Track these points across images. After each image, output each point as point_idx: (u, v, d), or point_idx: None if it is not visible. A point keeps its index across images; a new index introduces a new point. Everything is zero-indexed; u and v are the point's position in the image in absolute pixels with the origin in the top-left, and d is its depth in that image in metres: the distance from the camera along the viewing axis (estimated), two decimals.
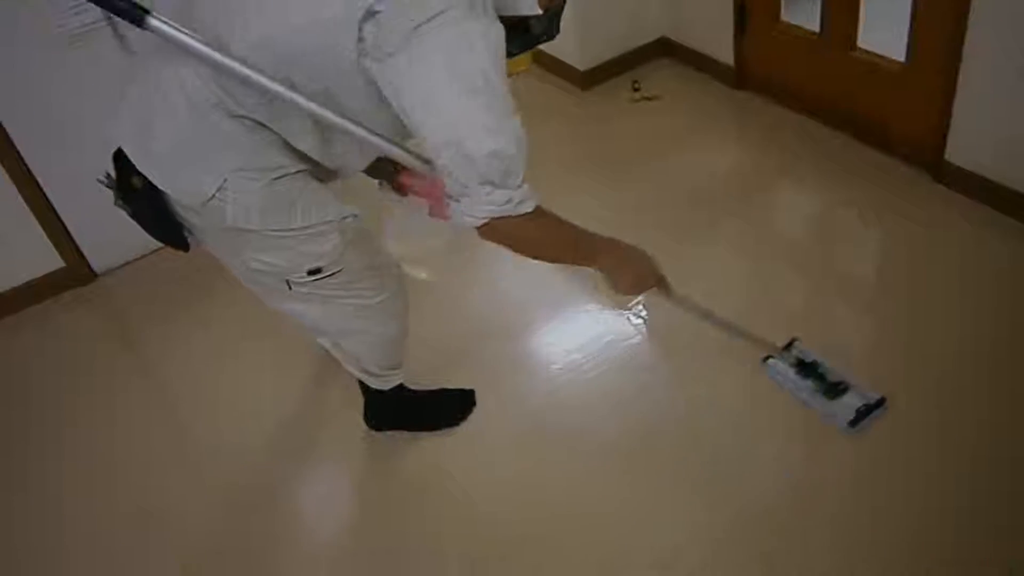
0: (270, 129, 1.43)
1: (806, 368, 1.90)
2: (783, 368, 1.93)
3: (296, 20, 1.30)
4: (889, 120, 2.81)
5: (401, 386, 2.08)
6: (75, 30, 2.57)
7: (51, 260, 2.89)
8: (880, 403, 1.87)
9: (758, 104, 3.29)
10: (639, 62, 3.67)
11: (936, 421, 1.98)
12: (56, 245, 2.86)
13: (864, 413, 1.84)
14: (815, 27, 2.96)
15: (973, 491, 1.82)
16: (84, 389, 2.55)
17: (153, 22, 1.27)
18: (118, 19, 1.31)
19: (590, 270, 1.61)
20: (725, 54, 3.37)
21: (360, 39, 1.25)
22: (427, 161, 1.48)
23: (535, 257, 1.52)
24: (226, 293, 2.67)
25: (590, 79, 3.61)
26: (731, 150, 3.15)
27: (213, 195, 1.42)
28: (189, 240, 1.58)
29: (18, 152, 2.66)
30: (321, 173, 1.57)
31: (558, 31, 1.47)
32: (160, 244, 1.59)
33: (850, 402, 1.85)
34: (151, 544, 2.06)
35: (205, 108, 1.38)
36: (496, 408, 2.22)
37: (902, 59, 2.67)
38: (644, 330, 2.38)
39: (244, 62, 1.29)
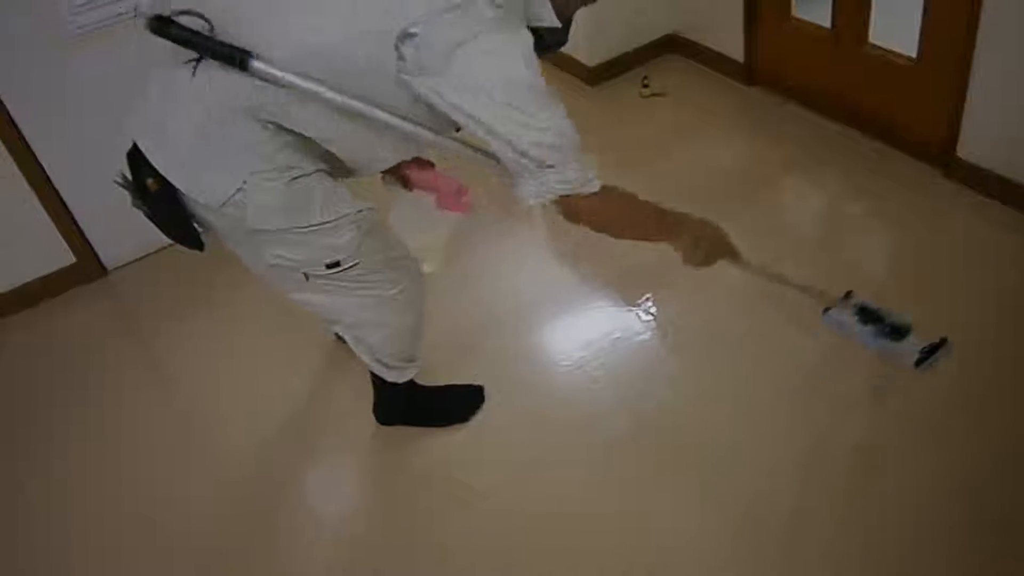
0: (291, 131, 1.46)
1: (866, 314, 1.90)
2: (844, 317, 1.93)
3: (343, 32, 1.35)
4: (900, 116, 2.79)
5: (412, 382, 2.08)
6: (87, 28, 2.58)
7: (62, 256, 2.90)
8: (943, 343, 1.83)
9: (768, 100, 3.28)
10: (648, 58, 3.66)
11: (938, 421, 1.98)
12: (67, 241, 2.88)
13: (929, 352, 1.82)
14: (826, 22, 2.95)
15: (972, 499, 1.81)
16: (94, 385, 2.57)
17: (256, 65, 1.32)
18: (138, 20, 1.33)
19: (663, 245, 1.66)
20: (735, 50, 3.35)
21: (400, 57, 1.32)
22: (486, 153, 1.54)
23: (613, 234, 1.58)
24: (236, 289, 2.69)
25: (599, 75, 3.60)
26: (741, 146, 3.14)
27: (232, 196, 1.44)
28: (204, 240, 1.60)
29: (31, 149, 2.67)
30: (337, 171, 1.59)
31: (567, 40, 1.52)
32: (172, 242, 1.61)
33: (915, 342, 1.84)
34: (160, 539, 2.07)
35: (224, 112, 1.40)
36: (503, 404, 2.23)
37: (913, 55, 2.65)
38: (652, 327, 2.38)
39: (286, 69, 1.34)
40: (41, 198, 2.75)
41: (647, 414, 2.13)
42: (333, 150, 1.54)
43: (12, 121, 2.60)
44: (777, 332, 2.28)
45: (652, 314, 2.41)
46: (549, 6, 1.42)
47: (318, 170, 1.52)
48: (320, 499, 2.15)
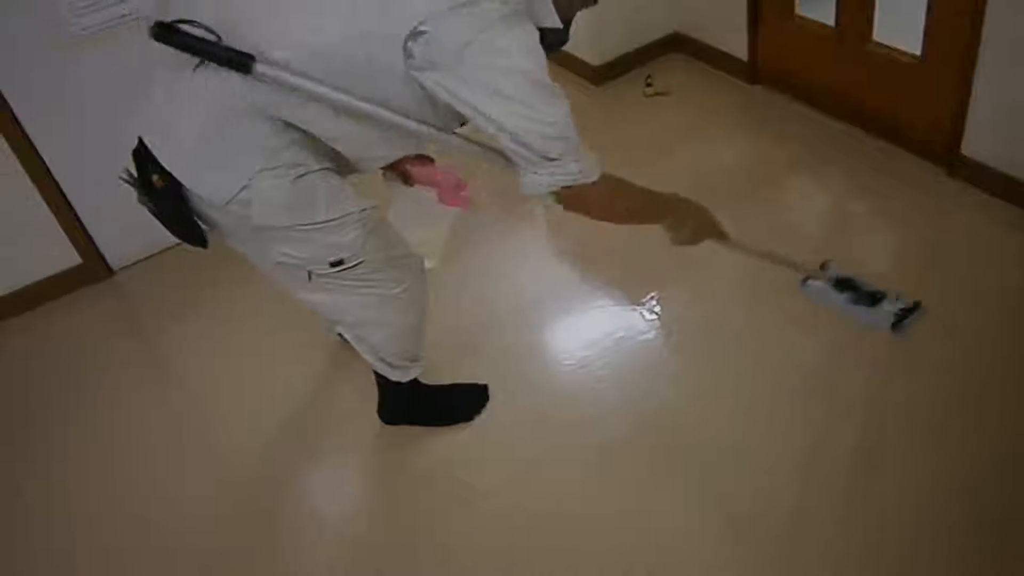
0: (297, 129, 1.47)
1: (842, 283, 1.95)
2: (821, 286, 1.97)
3: (343, 32, 1.36)
4: (904, 114, 2.79)
5: (416, 381, 2.09)
6: (91, 30, 2.59)
7: (68, 257, 2.92)
8: (917, 305, 1.89)
9: (772, 98, 3.28)
10: (652, 57, 3.66)
11: (939, 420, 1.97)
12: (73, 242, 2.89)
13: (903, 315, 1.87)
14: (830, 21, 2.95)
15: (972, 499, 1.81)
16: (99, 385, 2.58)
17: (260, 68, 1.33)
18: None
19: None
20: (738, 49, 3.35)
21: (409, 55, 1.33)
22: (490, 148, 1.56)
23: (608, 219, 1.62)
24: (241, 289, 2.70)
25: (603, 74, 3.60)
26: (745, 144, 3.13)
27: (238, 194, 1.45)
28: (208, 237, 1.61)
29: (36, 150, 2.69)
30: (341, 169, 1.60)
31: (568, 39, 1.53)
32: (177, 242, 1.63)
33: (888, 308, 1.89)
34: (163, 539, 2.08)
35: (229, 110, 1.41)
36: (507, 403, 2.23)
37: (917, 53, 2.65)
38: (656, 326, 2.38)
39: (288, 68, 1.35)
40: (46, 199, 2.76)
41: (649, 414, 2.13)
42: (338, 147, 1.55)
43: (17, 121, 2.61)
44: (778, 332, 2.28)
45: (656, 313, 2.41)
46: (551, 6, 1.43)
47: (323, 168, 1.53)
48: (323, 499, 2.16)
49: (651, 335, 2.35)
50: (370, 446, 2.23)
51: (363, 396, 2.20)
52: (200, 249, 1.64)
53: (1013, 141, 2.44)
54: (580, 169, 1.44)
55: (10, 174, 2.66)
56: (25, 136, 2.64)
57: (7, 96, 2.57)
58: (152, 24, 1.31)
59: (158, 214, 1.57)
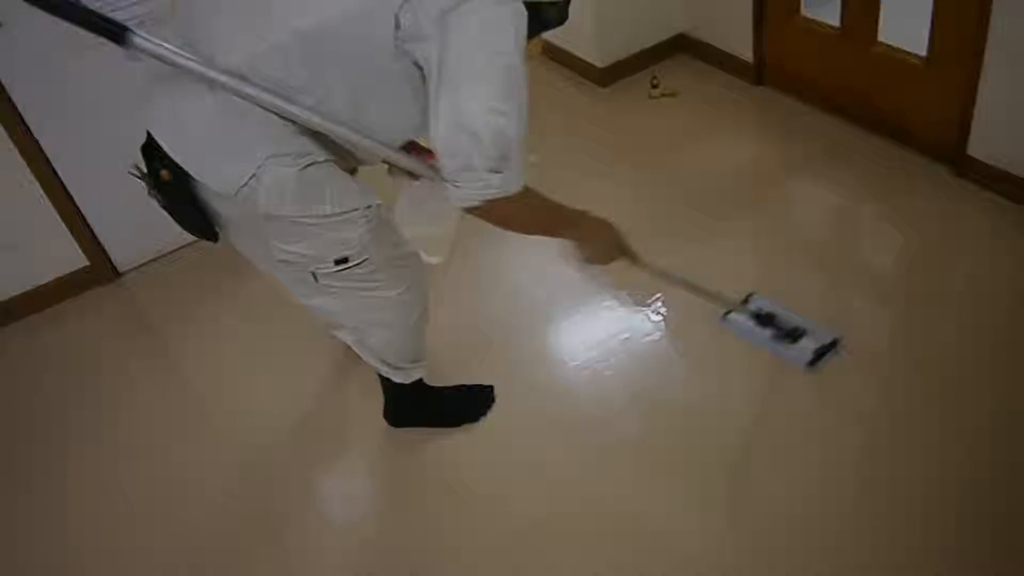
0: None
1: (764, 318, 1.97)
2: (743, 321, 2.00)
3: (331, 12, 1.36)
4: (910, 114, 2.78)
5: (421, 383, 2.09)
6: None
7: (75, 259, 2.93)
8: (834, 344, 1.93)
9: (777, 99, 3.28)
10: (657, 59, 3.66)
11: (950, 423, 1.97)
12: (80, 244, 2.90)
13: (821, 354, 1.91)
14: (835, 21, 2.94)
15: (976, 493, 1.81)
16: (107, 387, 2.59)
17: (136, 39, 1.31)
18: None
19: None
20: (744, 50, 3.35)
21: (397, 26, 1.33)
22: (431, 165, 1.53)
23: (517, 231, 1.59)
24: (248, 291, 2.71)
25: (609, 76, 3.60)
26: (750, 146, 3.13)
27: (247, 182, 1.44)
28: (219, 231, 1.61)
29: (44, 153, 2.69)
30: (345, 163, 1.59)
31: (567, 17, 1.51)
32: (183, 244, 1.62)
33: (807, 345, 1.93)
34: (169, 537, 2.08)
35: (234, 101, 1.40)
36: (512, 404, 2.23)
37: (923, 53, 2.65)
38: (662, 328, 2.38)
39: (255, 64, 1.35)
40: (53, 201, 2.77)
41: (656, 415, 2.13)
42: (339, 140, 1.53)
43: (24, 124, 2.62)
44: None
45: (662, 314, 2.41)
46: None
47: (328, 160, 1.52)
48: (330, 501, 2.16)
49: (657, 336, 2.35)
50: (376, 448, 2.23)
51: (370, 397, 2.20)
52: (211, 243, 1.64)
53: (1020, 141, 2.44)
54: (512, 180, 1.40)
55: (17, 177, 2.66)
56: (32, 139, 2.65)
57: (15, 99, 2.58)
58: None
59: (168, 207, 1.57)
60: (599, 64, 3.58)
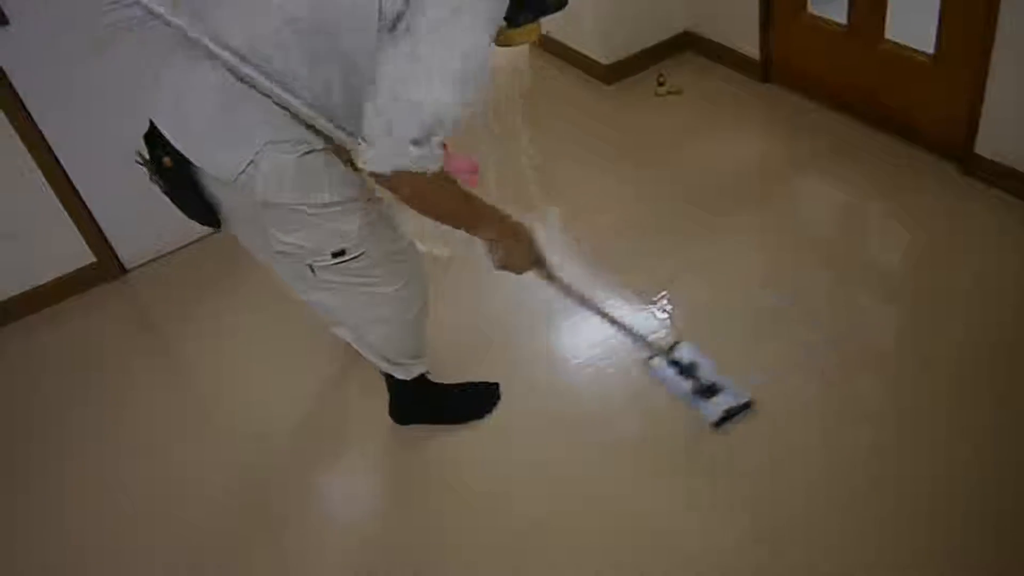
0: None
1: (685, 369, 2.01)
2: (664, 370, 2.05)
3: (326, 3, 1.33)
4: (917, 112, 2.77)
5: (426, 380, 2.09)
6: (103, 29, 2.60)
7: (83, 256, 2.94)
8: (746, 406, 1.98)
9: (784, 97, 3.26)
10: (663, 56, 3.65)
11: (957, 424, 1.96)
12: (87, 241, 2.92)
13: (730, 414, 1.96)
14: (842, 18, 2.93)
15: (983, 492, 1.80)
16: (112, 384, 2.60)
17: None
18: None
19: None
20: (750, 47, 3.34)
21: (380, 11, 1.30)
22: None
23: (425, 213, 1.51)
24: (252, 289, 2.71)
25: (614, 73, 3.59)
26: (757, 143, 3.12)
27: (245, 169, 1.44)
28: (221, 219, 1.60)
29: (52, 150, 2.71)
30: (342, 153, 1.58)
31: (566, 2, 1.49)
32: (188, 241, 1.62)
33: (720, 402, 1.97)
34: (171, 536, 2.09)
35: (234, 87, 1.40)
36: (516, 401, 2.23)
37: (931, 51, 2.63)
38: (667, 325, 2.37)
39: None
40: (60, 198, 2.79)
41: (659, 414, 2.12)
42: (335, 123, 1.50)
43: (32, 120, 2.64)
44: (789, 331, 2.27)
45: (667, 312, 2.40)
46: None
47: (326, 148, 1.51)
48: (333, 499, 2.16)
49: (662, 334, 2.34)
50: (377, 446, 2.23)
51: (370, 395, 2.20)
52: (214, 239, 1.64)
53: None
54: (432, 157, 1.35)
55: (25, 174, 2.69)
56: (40, 136, 2.67)
57: (22, 95, 2.60)
58: None
59: (169, 193, 1.57)
60: (604, 61, 3.57)
